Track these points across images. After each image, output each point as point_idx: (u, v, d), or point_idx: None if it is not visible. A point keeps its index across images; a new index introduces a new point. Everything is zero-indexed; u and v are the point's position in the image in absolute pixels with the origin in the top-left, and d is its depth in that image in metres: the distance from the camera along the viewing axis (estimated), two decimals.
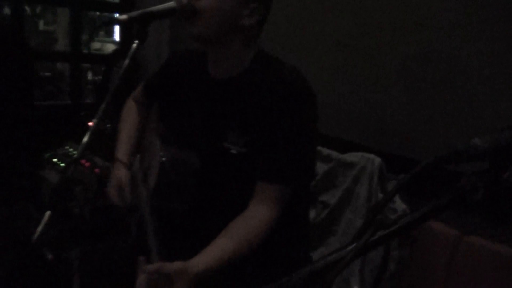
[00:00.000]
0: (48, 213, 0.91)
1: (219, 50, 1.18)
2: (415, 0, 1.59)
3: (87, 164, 2.03)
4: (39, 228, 0.90)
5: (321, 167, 1.61)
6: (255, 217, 1.07)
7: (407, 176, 0.51)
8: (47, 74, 6.01)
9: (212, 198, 1.21)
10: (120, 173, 1.27)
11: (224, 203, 1.19)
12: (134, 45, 1.13)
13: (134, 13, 1.11)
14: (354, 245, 0.47)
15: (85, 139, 1.04)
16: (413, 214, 0.49)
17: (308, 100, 1.13)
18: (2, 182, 2.24)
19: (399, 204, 1.37)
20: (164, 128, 1.35)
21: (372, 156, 1.47)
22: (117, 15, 1.15)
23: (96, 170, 1.98)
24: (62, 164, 2.14)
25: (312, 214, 1.56)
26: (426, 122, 1.57)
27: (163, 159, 1.20)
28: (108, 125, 2.19)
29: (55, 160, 2.19)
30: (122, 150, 1.34)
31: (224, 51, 1.17)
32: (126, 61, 1.13)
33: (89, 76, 7.70)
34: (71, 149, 2.22)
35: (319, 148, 1.65)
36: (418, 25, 1.57)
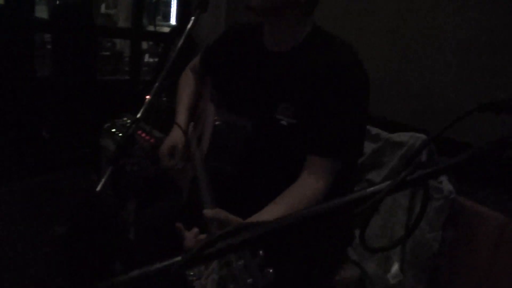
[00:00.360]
0: (110, 168, 1.00)
1: (275, 23, 1.21)
2: None
3: (144, 134, 2.15)
4: (103, 180, 0.99)
5: (369, 146, 1.62)
6: (306, 188, 1.10)
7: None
8: (107, 53, 6.27)
9: (262, 164, 1.24)
10: (176, 135, 1.34)
11: (272, 171, 1.22)
12: (193, 18, 1.21)
13: None
14: (391, 181, 0.50)
15: (139, 114, 1.13)
16: (449, 160, 0.51)
17: (360, 78, 1.14)
18: (66, 148, 2.42)
19: (446, 185, 1.36)
20: (219, 95, 1.40)
21: (422, 135, 1.47)
22: None
23: (152, 140, 2.09)
24: (120, 134, 2.28)
25: None
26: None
27: (217, 122, 1.26)
28: (164, 99, 2.29)
29: (113, 130, 2.33)
30: (181, 115, 1.41)
31: (279, 24, 1.20)
32: (183, 37, 1.20)
33: (146, 58, 7.94)
34: (128, 121, 2.35)
35: (368, 127, 1.66)
36: (470, 10, 1.53)
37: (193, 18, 1.14)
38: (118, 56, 6.18)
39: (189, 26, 1.18)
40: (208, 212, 0.99)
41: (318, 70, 1.13)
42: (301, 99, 1.15)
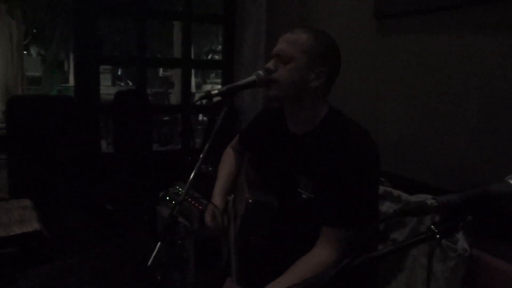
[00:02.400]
0: (159, 244, 1.23)
1: (293, 109, 1.42)
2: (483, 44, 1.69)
3: (192, 201, 2.41)
4: (153, 255, 1.22)
5: (391, 207, 1.76)
6: (316, 257, 1.25)
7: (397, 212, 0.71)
8: (166, 118, 6.81)
9: (287, 235, 1.41)
10: (213, 212, 1.57)
11: (296, 240, 1.38)
12: (223, 112, 1.46)
13: (223, 88, 1.44)
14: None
15: (188, 183, 1.37)
16: (388, 247, 0.68)
17: (369, 157, 1.31)
18: (125, 215, 2.72)
19: (461, 243, 1.46)
20: (253, 174, 1.63)
21: (430, 200, 1.59)
22: (215, 90, 1.49)
23: (200, 207, 2.34)
24: (173, 202, 2.55)
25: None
26: (499, 166, 1.63)
27: (249, 200, 1.48)
28: (210, 168, 2.55)
29: (167, 198, 2.61)
30: (215, 193, 1.64)
31: (297, 109, 1.40)
32: (218, 122, 1.45)
33: (200, 117, 8.46)
34: (180, 189, 2.62)
35: (390, 189, 1.79)
36: (490, 72, 1.66)
37: (221, 117, 1.39)
38: (174, 119, 6.67)
39: (218, 122, 1.43)
40: (226, 284, 1.18)
41: (333, 150, 1.30)
42: (318, 176, 1.33)
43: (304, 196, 1.35)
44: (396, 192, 1.78)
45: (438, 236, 0.65)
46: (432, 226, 0.66)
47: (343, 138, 1.31)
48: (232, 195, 1.73)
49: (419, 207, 0.64)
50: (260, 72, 1.43)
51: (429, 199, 0.65)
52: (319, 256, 1.25)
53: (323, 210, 1.30)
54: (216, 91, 1.43)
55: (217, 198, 1.62)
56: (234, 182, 1.75)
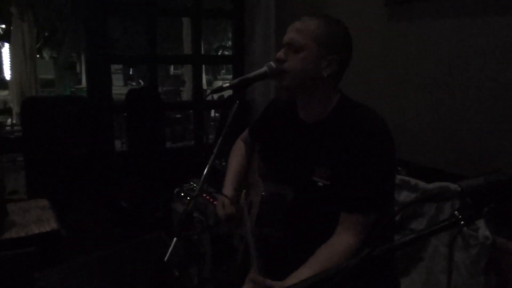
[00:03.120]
0: (174, 239, 1.22)
1: (305, 98, 1.40)
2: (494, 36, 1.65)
3: (207, 197, 2.40)
4: (169, 251, 1.22)
5: (409, 196, 1.73)
6: (337, 245, 1.24)
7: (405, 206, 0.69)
8: (178, 115, 6.82)
9: (304, 225, 1.39)
10: (223, 200, 1.56)
11: (314, 230, 1.36)
12: (235, 105, 1.44)
13: (235, 81, 1.42)
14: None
15: (202, 178, 1.36)
16: (410, 236, 0.66)
17: (385, 141, 1.28)
18: (141, 213, 2.73)
19: (483, 231, 1.43)
20: (264, 166, 1.61)
21: (455, 186, 1.56)
22: (227, 83, 1.48)
23: (215, 202, 2.33)
24: (188, 198, 2.55)
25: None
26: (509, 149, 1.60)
27: (263, 193, 1.47)
28: (224, 163, 2.54)
29: (182, 194, 2.61)
30: (227, 186, 1.63)
31: (309, 98, 1.38)
32: (230, 116, 1.43)
33: (212, 113, 8.48)
34: (195, 185, 2.62)
35: (407, 178, 1.77)
36: (506, 59, 1.62)
37: (233, 111, 1.38)
38: (187, 116, 6.68)
39: (230, 116, 1.41)
40: (257, 278, 1.17)
41: (348, 136, 1.29)
42: (334, 163, 1.31)
43: (320, 184, 1.33)
44: (413, 181, 1.75)
45: (462, 222, 0.63)
46: (456, 212, 0.64)
47: (358, 125, 1.29)
48: (245, 190, 1.71)
49: (442, 192, 0.61)
50: (272, 63, 1.41)
51: (452, 184, 0.62)
52: (340, 243, 1.24)
53: (340, 197, 1.28)
54: (227, 84, 1.41)
55: (228, 188, 1.61)
56: (245, 173, 1.73)
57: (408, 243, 0.63)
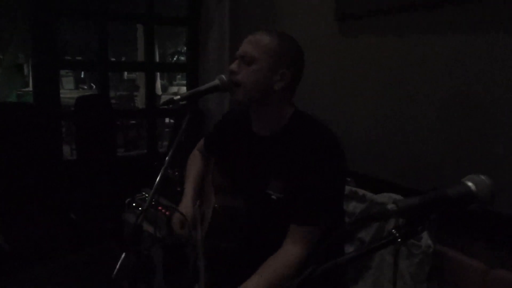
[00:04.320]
0: (123, 254, 1.20)
1: (258, 111, 1.42)
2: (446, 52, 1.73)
3: (159, 207, 2.37)
4: (117, 266, 1.19)
5: (357, 207, 1.78)
6: (286, 255, 1.26)
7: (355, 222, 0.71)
8: (132, 121, 6.67)
9: (257, 238, 1.42)
10: (185, 211, 1.55)
11: (267, 242, 1.37)
12: (187, 117, 1.44)
13: (186, 93, 1.42)
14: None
15: (153, 189, 1.34)
16: (352, 254, 0.69)
17: (335, 155, 1.33)
18: (91, 224, 2.65)
19: (425, 240, 1.50)
20: (220, 178, 1.61)
21: (398, 196, 1.63)
22: (178, 96, 1.48)
23: (167, 213, 2.30)
24: (140, 208, 2.50)
25: (350, 250, 1.73)
26: (458, 161, 1.68)
27: (215, 205, 1.47)
28: (177, 173, 2.52)
29: (134, 204, 2.55)
30: (186, 197, 1.62)
31: (262, 112, 1.41)
32: (182, 128, 1.42)
33: (166, 119, 8.35)
34: (147, 194, 2.57)
35: (355, 189, 1.82)
36: (450, 73, 1.70)
37: (184, 123, 1.37)
38: (141, 123, 6.56)
39: (182, 127, 1.40)
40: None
41: (300, 150, 1.32)
42: (287, 176, 1.34)
43: (273, 197, 1.36)
44: (361, 192, 1.81)
45: (399, 240, 0.66)
46: (393, 230, 0.67)
47: (310, 138, 1.33)
48: (198, 201, 1.70)
49: (380, 212, 0.64)
50: (223, 76, 1.43)
51: (389, 204, 0.65)
52: (286, 255, 1.26)
53: (290, 210, 1.30)
54: (178, 97, 1.41)
55: (187, 204, 1.60)
56: (202, 184, 1.73)
57: (349, 260, 0.65)
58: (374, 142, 2.03)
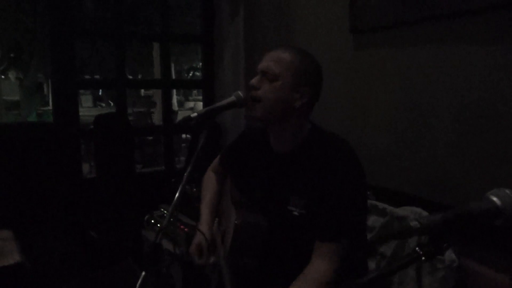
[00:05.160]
0: (143, 274, 1.20)
1: (277, 128, 1.43)
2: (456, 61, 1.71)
3: (178, 223, 2.37)
4: (138, 286, 1.19)
5: (378, 221, 1.76)
6: (315, 272, 1.26)
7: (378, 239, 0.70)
8: (149, 137, 6.75)
9: (279, 254, 1.41)
10: (200, 239, 1.55)
11: (289, 258, 1.39)
12: (204, 134, 1.44)
13: (202, 111, 1.43)
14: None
15: (172, 206, 1.35)
16: (375, 273, 0.67)
17: (355, 170, 1.33)
18: (110, 242, 2.67)
19: (449, 254, 1.47)
20: (238, 196, 1.61)
21: (419, 210, 1.60)
22: (194, 114, 1.49)
23: (186, 229, 2.30)
24: (158, 225, 2.51)
25: (372, 265, 1.70)
26: (480, 173, 1.65)
27: (236, 222, 1.46)
28: (194, 189, 2.52)
29: (152, 221, 2.57)
30: (203, 220, 1.62)
31: (281, 129, 1.41)
32: (200, 144, 1.43)
33: (183, 134, 8.41)
34: (165, 211, 2.59)
35: (375, 202, 1.80)
36: (468, 83, 1.68)
37: (202, 140, 1.38)
38: (158, 140, 6.62)
39: (200, 144, 1.41)
40: None
41: (320, 166, 1.33)
42: (308, 192, 1.34)
43: (295, 213, 1.36)
44: (381, 205, 1.78)
45: (423, 258, 0.64)
46: (417, 248, 0.66)
47: (329, 154, 1.33)
48: (217, 220, 1.70)
49: (403, 230, 0.63)
50: (240, 92, 1.43)
51: (412, 221, 0.64)
52: (316, 272, 1.26)
53: (315, 225, 1.30)
54: (195, 114, 1.42)
55: (204, 217, 1.62)
56: (218, 204, 1.73)
57: (371, 281, 0.64)
58: (392, 154, 2.01)
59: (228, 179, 1.71)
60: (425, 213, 1.58)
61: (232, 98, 1.43)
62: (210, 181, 1.76)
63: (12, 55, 14.29)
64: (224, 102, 1.44)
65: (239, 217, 1.45)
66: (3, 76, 15.54)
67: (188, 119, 1.40)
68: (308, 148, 1.38)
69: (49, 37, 2.74)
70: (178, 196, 1.32)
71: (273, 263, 1.42)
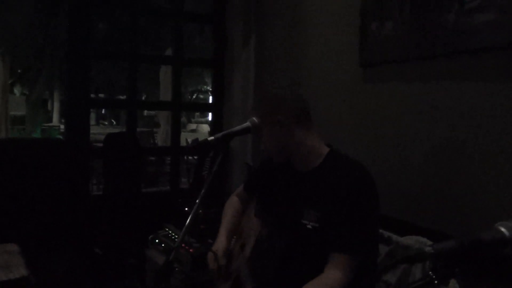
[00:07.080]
0: None
1: (293, 156, 1.55)
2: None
3: (183, 245, 2.39)
4: None
5: (383, 249, 1.79)
6: (327, 279, 1.33)
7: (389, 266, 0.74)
8: (152, 158, 6.79)
9: (295, 264, 1.49)
10: (217, 247, 1.62)
11: (304, 269, 1.45)
12: (220, 158, 1.50)
13: (219, 135, 1.50)
14: None
15: (184, 228, 1.39)
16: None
17: (371, 188, 1.43)
18: (114, 259, 2.68)
19: (453, 284, 1.49)
20: (262, 211, 1.68)
21: (424, 239, 1.63)
22: (211, 138, 1.57)
23: (191, 250, 2.33)
24: (163, 245, 2.53)
25: None
26: (485, 204, 1.68)
27: (260, 233, 1.55)
28: (200, 211, 2.56)
29: (157, 241, 2.59)
30: (220, 239, 1.68)
31: (297, 155, 1.53)
32: (215, 168, 1.48)
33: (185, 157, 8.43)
34: (170, 232, 2.61)
35: (381, 231, 1.83)
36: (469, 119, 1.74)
37: (217, 164, 1.44)
38: (161, 160, 6.66)
39: (215, 168, 1.46)
40: None
41: (337, 182, 1.42)
42: (322, 206, 1.43)
43: (309, 226, 1.44)
44: (386, 234, 1.81)
45: (436, 282, 0.69)
46: (430, 272, 0.70)
47: (346, 172, 1.43)
48: (235, 237, 1.77)
49: (418, 254, 0.67)
50: (254, 118, 1.51)
51: (426, 247, 0.68)
52: (328, 279, 1.32)
53: (329, 238, 1.38)
54: (212, 138, 1.48)
55: (222, 239, 1.68)
56: (237, 225, 1.79)
57: None
58: (398, 184, 2.05)
59: (252, 202, 1.77)
60: (429, 243, 1.61)
61: (247, 124, 1.51)
62: (232, 202, 1.85)
63: (19, 70, 14.50)
64: (240, 127, 1.52)
65: (261, 230, 1.56)
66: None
67: (205, 142, 1.47)
68: (326, 167, 1.48)
69: (66, 57, 2.83)
70: (191, 219, 1.38)
71: (289, 273, 1.50)
